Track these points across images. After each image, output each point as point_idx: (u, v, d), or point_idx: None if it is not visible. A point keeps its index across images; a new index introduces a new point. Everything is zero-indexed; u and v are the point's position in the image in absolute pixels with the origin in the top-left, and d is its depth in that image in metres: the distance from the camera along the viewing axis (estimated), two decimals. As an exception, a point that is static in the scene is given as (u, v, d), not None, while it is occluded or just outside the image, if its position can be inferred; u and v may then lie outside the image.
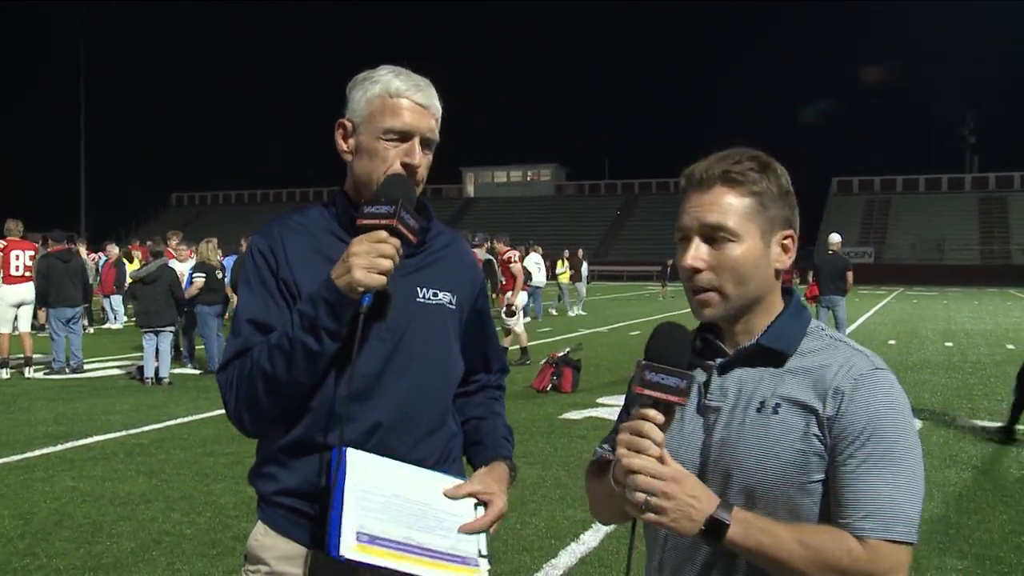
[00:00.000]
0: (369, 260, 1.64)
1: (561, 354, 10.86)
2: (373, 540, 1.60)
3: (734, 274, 1.48)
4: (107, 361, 12.88)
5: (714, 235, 1.48)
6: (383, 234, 1.66)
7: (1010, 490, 6.25)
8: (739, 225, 1.47)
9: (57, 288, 11.69)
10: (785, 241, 1.52)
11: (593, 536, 5.09)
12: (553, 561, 4.76)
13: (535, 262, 19.92)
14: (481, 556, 1.73)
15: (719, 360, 1.54)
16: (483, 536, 1.77)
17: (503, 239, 13.84)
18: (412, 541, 1.64)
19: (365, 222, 1.68)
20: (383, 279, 1.66)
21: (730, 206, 1.47)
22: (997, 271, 47.95)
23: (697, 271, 1.48)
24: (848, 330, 17.86)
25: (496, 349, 2.14)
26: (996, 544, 5.08)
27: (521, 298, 13.62)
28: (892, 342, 16.37)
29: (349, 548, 1.57)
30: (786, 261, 1.53)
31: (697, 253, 1.48)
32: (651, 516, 1.36)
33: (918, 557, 4.83)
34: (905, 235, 53.64)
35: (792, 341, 1.50)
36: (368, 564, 1.60)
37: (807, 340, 1.52)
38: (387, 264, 1.66)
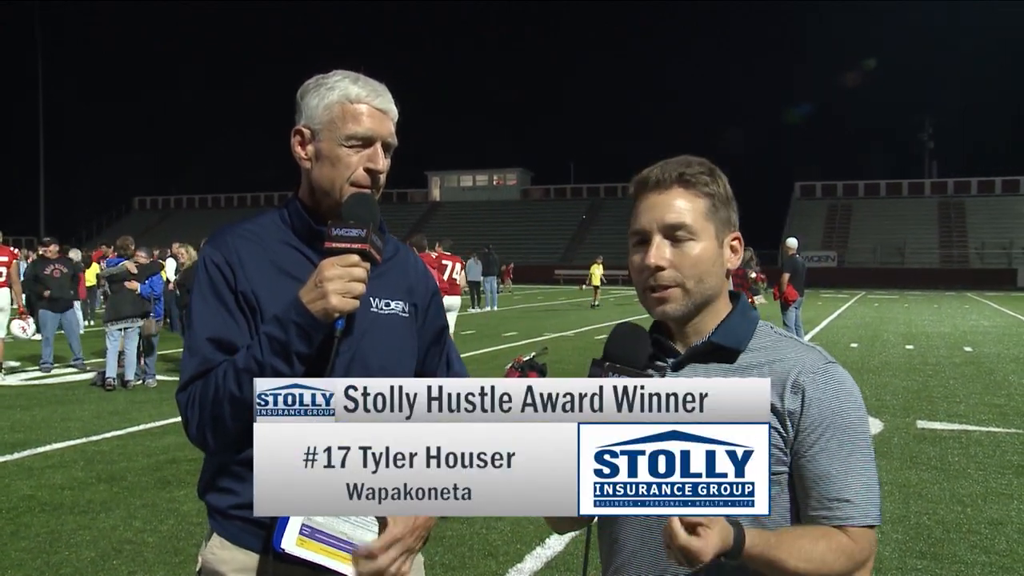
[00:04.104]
0: (343, 285, 1.63)
1: (527, 358, 10.85)
2: (313, 534, 1.64)
3: (694, 271, 1.54)
4: (68, 367, 12.68)
5: (675, 234, 1.54)
6: (355, 258, 1.65)
7: (968, 490, 6.35)
8: (697, 224, 1.54)
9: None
10: (734, 243, 1.60)
11: (558, 540, 5.10)
12: (519, 566, 4.76)
13: None
14: None
15: (671, 360, 1.59)
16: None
17: (419, 242, 13.60)
18: (345, 536, 1.67)
19: (335, 245, 1.65)
20: (357, 303, 1.66)
21: (689, 206, 1.55)
22: (955, 275, 48.78)
23: (660, 268, 1.54)
24: (811, 333, 18.09)
25: (456, 353, 2.12)
26: (954, 543, 5.17)
27: None
28: (854, 345, 16.57)
29: (291, 543, 1.61)
30: (735, 262, 1.61)
31: (660, 252, 1.54)
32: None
33: (879, 558, 4.90)
34: (867, 239, 54.38)
35: (743, 338, 1.57)
36: (303, 560, 1.63)
37: (756, 338, 1.58)
38: (361, 288, 1.65)
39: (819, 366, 1.51)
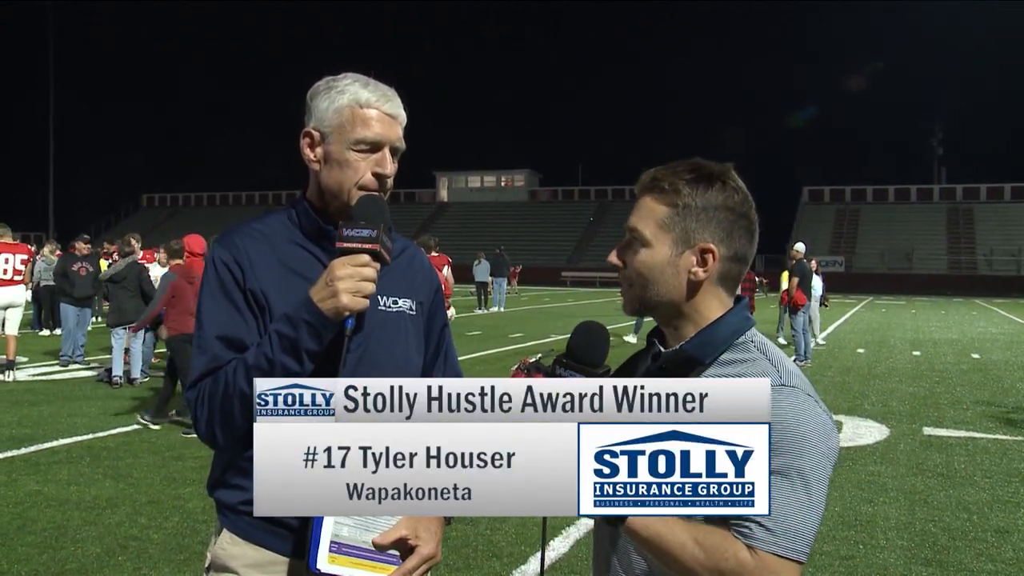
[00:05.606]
0: (354, 284, 1.65)
1: (533, 359, 10.84)
2: (341, 548, 1.66)
3: (638, 275, 1.56)
4: (74, 363, 12.72)
5: (630, 237, 1.58)
6: (366, 258, 1.67)
7: (974, 498, 6.33)
8: (651, 231, 1.55)
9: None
10: (705, 255, 1.53)
11: (563, 542, 5.10)
12: (523, 567, 4.76)
13: None
14: None
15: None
16: None
17: (427, 242, 12.78)
18: (370, 547, 1.68)
19: (347, 245, 1.67)
20: (367, 302, 1.68)
21: (648, 212, 1.56)
22: (964, 281, 48.63)
23: (616, 267, 1.60)
24: (818, 338, 18.05)
25: (453, 351, 2.13)
26: (960, 550, 5.15)
27: None
28: (861, 351, 16.53)
29: (324, 561, 1.64)
30: (700, 274, 1.53)
31: (615, 251, 1.61)
32: None
33: (884, 564, 4.89)
34: (875, 245, 54.28)
35: (711, 350, 1.52)
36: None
37: (731, 351, 1.52)
38: (371, 288, 1.68)
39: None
